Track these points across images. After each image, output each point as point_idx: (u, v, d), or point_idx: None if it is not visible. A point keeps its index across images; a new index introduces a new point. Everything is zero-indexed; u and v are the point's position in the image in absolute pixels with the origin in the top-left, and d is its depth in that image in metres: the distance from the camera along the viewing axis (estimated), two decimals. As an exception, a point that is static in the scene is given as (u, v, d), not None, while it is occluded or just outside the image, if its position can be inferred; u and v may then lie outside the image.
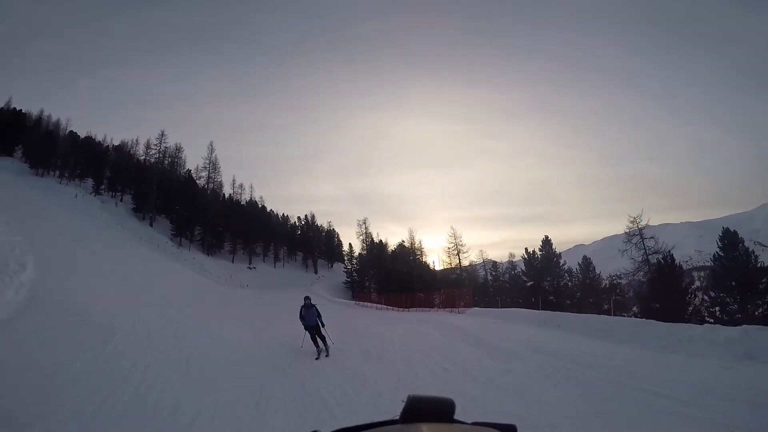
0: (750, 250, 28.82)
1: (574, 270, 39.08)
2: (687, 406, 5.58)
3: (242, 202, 77.64)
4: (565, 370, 8.16)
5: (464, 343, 12.31)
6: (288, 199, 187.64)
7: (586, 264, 36.13)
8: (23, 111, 73.14)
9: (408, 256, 64.48)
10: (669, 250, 31.34)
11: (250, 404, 7.07)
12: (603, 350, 9.93)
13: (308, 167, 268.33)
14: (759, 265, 28.09)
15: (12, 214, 21.97)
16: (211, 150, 73.67)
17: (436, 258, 65.88)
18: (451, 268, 57.09)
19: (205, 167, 71.57)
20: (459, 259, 55.96)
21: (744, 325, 9.49)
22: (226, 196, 75.48)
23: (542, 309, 22.37)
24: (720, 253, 29.55)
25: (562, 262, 40.53)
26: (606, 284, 34.47)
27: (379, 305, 39.73)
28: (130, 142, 78.01)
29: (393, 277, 54.00)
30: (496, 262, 55.29)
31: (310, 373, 9.46)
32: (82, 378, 8.00)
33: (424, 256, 67.87)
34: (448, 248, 57.01)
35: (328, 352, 11.93)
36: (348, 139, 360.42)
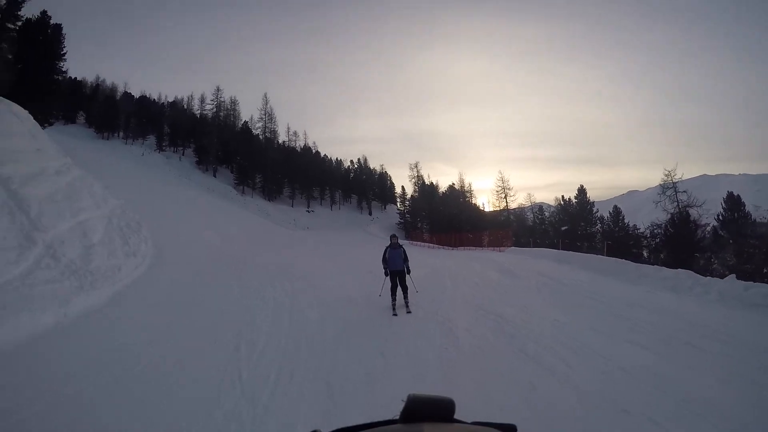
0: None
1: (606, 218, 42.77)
2: (608, 306, 9.65)
3: (297, 149, 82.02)
4: (551, 286, 12.65)
5: (495, 271, 16.45)
6: (339, 140, 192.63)
7: (616, 213, 39.61)
8: (78, 79, 76.80)
9: (458, 197, 68.55)
10: (701, 204, 33.17)
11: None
12: (585, 277, 14.15)
13: (357, 108, 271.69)
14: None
15: (101, 178, 25.97)
16: (266, 101, 78.27)
17: (486, 199, 69.66)
18: (499, 210, 61.11)
19: (261, 118, 76.32)
20: (506, 202, 59.78)
21: (681, 269, 13.24)
22: (282, 143, 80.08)
23: (571, 251, 25.80)
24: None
25: (595, 209, 44.63)
26: (634, 232, 37.23)
27: (431, 244, 43.99)
28: (185, 99, 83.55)
29: (443, 218, 58.07)
30: (542, 205, 58.61)
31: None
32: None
33: (473, 198, 72.33)
34: (496, 191, 61.01)
35: (409, 307, 9.99)
36: (397, 78, 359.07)
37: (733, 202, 35.59)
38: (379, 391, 5.18)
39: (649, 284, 12.42)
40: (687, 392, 4.77)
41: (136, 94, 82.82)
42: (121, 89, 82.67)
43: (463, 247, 37.40)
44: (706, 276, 12.76)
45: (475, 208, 68.94)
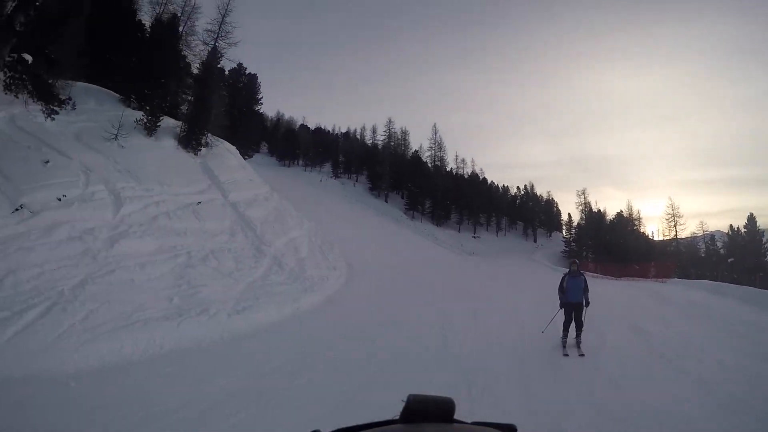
0: None
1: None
2: (728, 325, 11.84)
3: (465, 176, 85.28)
4: (692, 313, 14.20)
5: (647, 297, 18.56)
6: (505, 165, 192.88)
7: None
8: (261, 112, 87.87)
9: (626, 226, 66.73)
10: None
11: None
12: (724, 306, 15.74)
13: (523, 132, 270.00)
14: None
15: (290, 201, 29.87)
16: (435, 131, 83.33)
17: (656, 227, 67.70)
18: (668, 239, 59.34)
19: (431, 147, 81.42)
20: (676, 231, 58.10)
21: None
22: (450, 170, 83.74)
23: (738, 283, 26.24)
24: None
25: (765, 239, 41.86)
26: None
27: (594, 274, 44.83)
28: (357, 129, 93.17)
29: (610, 246, 57.90)
30: (714, 235, 56.14)
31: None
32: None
33: (641, 226, 70.10)
34: (666, 219, 59.54)
35: (581, 348, 9.24)
36: (560, 99, 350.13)
37: None
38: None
39: None
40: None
41: (312, 126, 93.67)
42: (298, 122, 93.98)
43: (625, 278, 38.25)
44: None
45: (643, 236, 67.04)
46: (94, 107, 17.79)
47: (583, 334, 9.44)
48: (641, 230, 69.52)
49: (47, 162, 11.57)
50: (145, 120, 18.40)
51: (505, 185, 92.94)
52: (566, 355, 8.92)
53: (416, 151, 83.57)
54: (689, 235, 58.40)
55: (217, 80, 25.17)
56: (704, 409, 6.01)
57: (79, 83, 17.15)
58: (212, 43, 23.48)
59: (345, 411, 5.41)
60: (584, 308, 9.55)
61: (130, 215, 11.63)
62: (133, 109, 19.17)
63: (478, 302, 15.70)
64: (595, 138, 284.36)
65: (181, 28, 24.64)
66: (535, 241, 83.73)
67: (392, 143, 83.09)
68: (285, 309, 11.55)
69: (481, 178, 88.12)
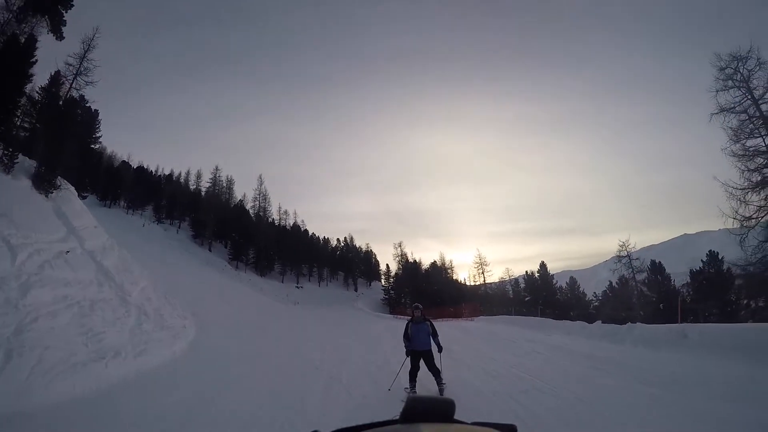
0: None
1: (563, 286, 50.66)
2: (513, 342, 15.64)
3: (287, 227, 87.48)
4: (496, 339, 18.29)
5: (458, 331, 22.64)
6: (325, 215, 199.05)
7: (572, 283, 47.51)
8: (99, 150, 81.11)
9: (439, 274, 74.39)
10: (647, 268, 39.59)
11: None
12: (527, 334, 20.04)
13: (342, 184, 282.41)
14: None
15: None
16: (261, 182, 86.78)
17: (467, 274, 76.71)
18: (477, 285, 68.39)
19: (255, 198, 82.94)
20: (483, 277, 68.23)
21: (578, 321, 20.08)
22: (274, 221, 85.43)
23: (536, 316, 32.29)
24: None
25: (555, 281, 52.25)
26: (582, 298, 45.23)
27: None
28: (182, 173, 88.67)
29: (426, 293, 63.57)
30: (518, 278, 65.70)
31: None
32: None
33: (454, 274, 78.85)
34: (475, 267, 68.58)
35: (442, 392, 8.67)
36: (380, 156, 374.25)
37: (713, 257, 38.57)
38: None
39: (552, 331, 18.91)
40: (528, 369, 10.48)
41: (134, 164, 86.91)
42: (119, 158, 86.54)
43: (441, 319, 43.08)
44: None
45: (456, 283, 75.70)
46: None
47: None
48: (453, 277, 78.71)
49: None
50: (2, 155, 17.67)
51: (326, 237, 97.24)
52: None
53: (241, 201, 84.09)
54: (498, 280, 69.62)
55: (73, 117, 24.49)
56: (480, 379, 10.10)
57: None
58: (71, 78, 22.80)
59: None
60: (438, 354, 9.28)
61: (24, 264, 11.87)
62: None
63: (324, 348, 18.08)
64: (413, 193, 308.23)
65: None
66: (356, 290, 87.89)
67: (217, 190, 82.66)
68: (166, 353, 12.78)
69: (302, 229, 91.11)
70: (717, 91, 20.99)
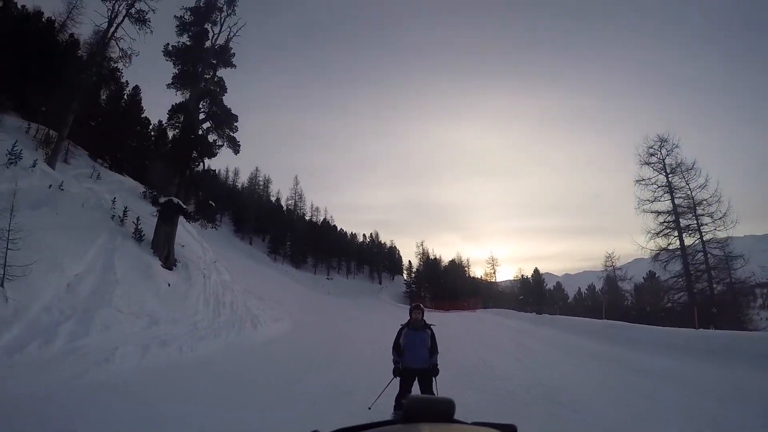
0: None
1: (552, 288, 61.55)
2: (499, 326, 25.79)
3: (318, 223, 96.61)
4: (480, 320, 28.53)
5: (459, 317, 32.48)
6: (352, 207, 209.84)
7: (558, 285, 58.08)
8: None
9: (456, 271, 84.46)
10: (630, 277, 47.83)
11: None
12: (497, 318, 30.10)
13: (367, 176, 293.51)
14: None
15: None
16: (296, 182, 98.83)
17: (482, 271, 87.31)
18: (489, 282, 78.71)
19: (292, 197, 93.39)
20: (495, 275, 78.22)
21: (546, 314, 30.08)
22: (306, 217, 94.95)
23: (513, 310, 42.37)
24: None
25: (545, 284, 62.95)
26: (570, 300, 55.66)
27: (430, 309, 59.96)
28: (220, 170, 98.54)
29: (443, 288, 73.60)
30: (523, 277, 76.08)
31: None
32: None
33: (469, 270, 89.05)
34: (487, 264, 78.94)
35: None
36: (404, 149, 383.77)
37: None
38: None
39: (512, 317, 28.95)
40: (481, 332, 20.66)
41: None
42: None
43: (453, 310, 53.49)
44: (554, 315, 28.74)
45: (470, 278, 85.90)
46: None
47: None
48: (468, 274, 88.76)
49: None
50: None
51: (353, 232, 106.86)
52: None
53: (278, 199, 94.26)
54: (513, 277, 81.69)
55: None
56: (458, 333, 18.39)
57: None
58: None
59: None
60: (433, 378, 6.97)
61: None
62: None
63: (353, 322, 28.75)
64: (435, 187, 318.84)
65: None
66: (380, 282, 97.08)
67: (256, 188, 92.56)
68: (286, 325, 22.09)
69: (332, 224, 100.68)
70: (642, 164, 30.39)
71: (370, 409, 7.18)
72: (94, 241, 13.78)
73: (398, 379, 7.09)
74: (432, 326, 7.40)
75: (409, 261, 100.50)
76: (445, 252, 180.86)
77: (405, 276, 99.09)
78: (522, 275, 70.86)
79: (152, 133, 36.54)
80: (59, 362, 8.73)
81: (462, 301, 58.46)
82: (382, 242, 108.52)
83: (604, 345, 17.10)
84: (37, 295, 10.31)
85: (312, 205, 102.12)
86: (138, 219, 17.59)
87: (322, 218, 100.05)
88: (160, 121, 35.55)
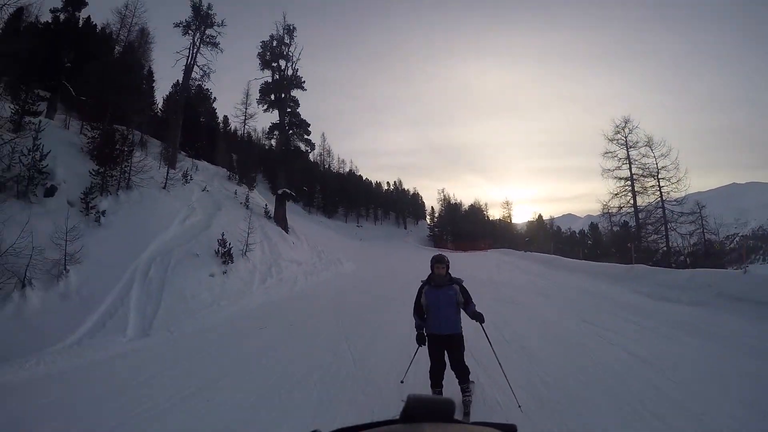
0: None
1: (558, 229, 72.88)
2: (500, 260, 37.75)
3: (345, 174, 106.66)
4: (485, 258, 40.51)
5: (471, 257, 44.05)
6: (373, 153, 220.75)
7: (558, 229, 69.75)
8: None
9: (476, 214, 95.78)
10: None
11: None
12: (500, 256, 42.35)
13: (384, 119, 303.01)
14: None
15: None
16: (324, 139, 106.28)
17: (499, 213, 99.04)
18: (507, 223, 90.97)
19: (320, 153, 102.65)
20: (511, 218, 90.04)
21: (543, 254, 42.27)
22: (333, 170, 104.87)
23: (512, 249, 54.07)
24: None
25: (548, 226, 74.13)
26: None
27: (452, 250, 71.59)
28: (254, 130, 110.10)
29: (463, 231, 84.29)
30: (532, 220, 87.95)
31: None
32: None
33: (487, 214, 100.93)
34: (503, 208, 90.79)
35: (469, 410, 6.09)
36: (424, 89, 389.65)
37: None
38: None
39: (510, 254, 40.48)
40: (482, 262, 32.35)
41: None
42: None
43: (471, 251, 65.13)
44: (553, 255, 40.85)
45: (488, 221, 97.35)
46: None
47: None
48: (487, 216, 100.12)
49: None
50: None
51: (378, 181, 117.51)
52: None
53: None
54: (532, 217, 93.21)
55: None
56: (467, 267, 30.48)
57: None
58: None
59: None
60: (481, 324, 6.36)
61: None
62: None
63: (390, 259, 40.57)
64: (454, 127, 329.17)
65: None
66: (405, 228, 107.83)
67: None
68: (353, 264, 33.92)
69: (357, 174, 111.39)
70: (609, 140, 38.84)
71: (402, 383, 7.00)
72: (254, 223, 25.58)
73: (425, 348, 6.40)
74: (460, 281, 6.47)
75: (432, 207, 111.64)
76: (466, 194, 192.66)
77: (428, 221, 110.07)
78: (535, 217, 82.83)
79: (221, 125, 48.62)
80: (280, 286, 21.04)
81: (479, 243, 69.95)
82: (406, 189, 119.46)
83: (544, 266, 29.21)
84: (258, 258, 22.57)
85: (339, 157, 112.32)
86: (266, 205, 29.87)
87: (348, 169, 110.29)
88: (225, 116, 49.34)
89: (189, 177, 27.07)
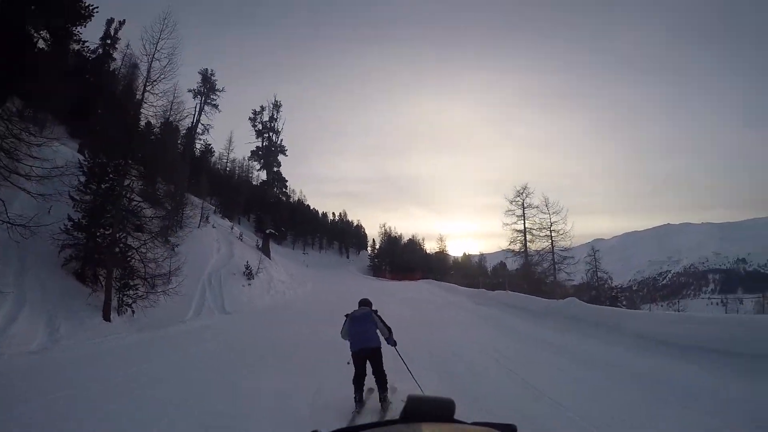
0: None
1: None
2: (419, 290, 52.54)
3: (293, 203, 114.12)
4: (412, 287, 54.45)
5: (400, 284, 58.73)
6: (321, 178, 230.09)
7: (478, 260, 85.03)
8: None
9: (413, 247, 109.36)
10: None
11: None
12: (425, 285, 56.19)
13: (334, 145, 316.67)
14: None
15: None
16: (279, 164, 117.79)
17: (436, 244, 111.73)
18: (443, 255, 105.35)
19: (273, 179, 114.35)
20: (445, 251, 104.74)
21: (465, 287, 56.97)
22: (284, 199, 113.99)
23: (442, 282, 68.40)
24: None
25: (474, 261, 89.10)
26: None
27: (389, 279, 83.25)
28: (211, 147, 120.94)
29: (401, 262, 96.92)
30: (469, 255, 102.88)
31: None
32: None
33: (424, 247, 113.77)
34: (438, 242, 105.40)
35: (386, 409, 7.55)
36: (377, 121, 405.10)
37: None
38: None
39: (431, 285, 54.16)
40: (407, 289, 46.75)
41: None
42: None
43: (406, 280, 76.95)
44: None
45: (424, 253, 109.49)
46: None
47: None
48: (423, 249, 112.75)
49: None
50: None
51: (324, 212, 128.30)
52: (358, 412, 7.46)
53: (264, 181, 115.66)
54: (478, 253, 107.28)
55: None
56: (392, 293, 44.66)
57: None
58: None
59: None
60: (393, 345, 8.20)
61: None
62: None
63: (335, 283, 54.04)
64: (404, 160, 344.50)
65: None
66: (348, 257, 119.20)
67: (245, 174, 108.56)
68: (312, 285, 48.06)
69: (305, 204, 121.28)
70: (509, 201, 50.93)
71: (348, 363, 7.83)
72: (255, 254, 39.09)
73: (351, 363, 7.75)
74: (375, 309, 8.31)
75: (373, 239, 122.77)
76: (409, 225, 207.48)
77: (369, 251, 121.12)
78: (464, 252, 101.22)
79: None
80: (276, 295, 34.92)
81: (414, 274, 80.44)
82: (350, 220, 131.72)
83: (443, 290, 43.55)
84: (263, 277, 36.28)
85: (289, 186, 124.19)
86: (258, 240, 43.66)
87: (297, 198, 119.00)
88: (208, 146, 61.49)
89: (207, 216, 40.36)
